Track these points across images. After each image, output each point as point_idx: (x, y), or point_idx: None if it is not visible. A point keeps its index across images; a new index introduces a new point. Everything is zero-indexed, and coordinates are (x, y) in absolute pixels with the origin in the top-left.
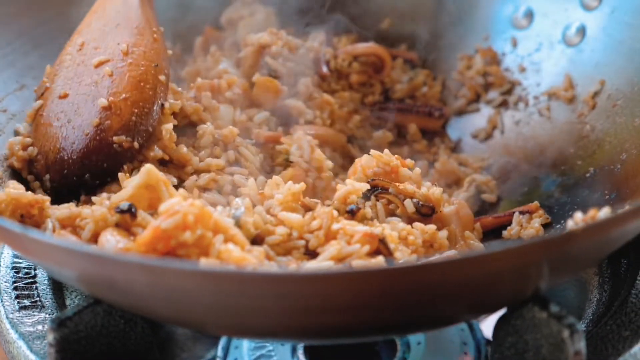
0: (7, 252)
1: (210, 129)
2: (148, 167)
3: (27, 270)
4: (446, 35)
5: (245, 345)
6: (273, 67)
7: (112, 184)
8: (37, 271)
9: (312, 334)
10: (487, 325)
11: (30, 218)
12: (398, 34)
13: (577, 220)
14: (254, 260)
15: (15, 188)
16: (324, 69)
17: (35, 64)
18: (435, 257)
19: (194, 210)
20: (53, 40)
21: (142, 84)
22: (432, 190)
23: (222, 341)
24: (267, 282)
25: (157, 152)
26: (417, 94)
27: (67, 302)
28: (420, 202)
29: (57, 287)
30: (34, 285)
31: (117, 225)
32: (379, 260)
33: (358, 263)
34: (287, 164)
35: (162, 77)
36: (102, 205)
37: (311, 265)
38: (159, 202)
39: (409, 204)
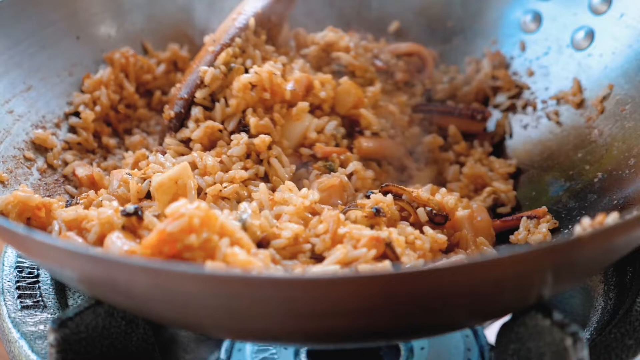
0: (11, 251)
1: (245, 138)
2: (184, 165)
3: (30, 270)
4: (454, 39)
5: (249, 348)
6: (346, 62)
7: None
8: (40, 271)
9: (316, 338)
10: (492, 332)
11: (36, 220)
12: (406, 37)
13: (584, 225)
14: (260, 263)
15: (24, 191)
16: (379, 63)
17: (42, 65)
18: (439, 263)
19: (200, 214)
20: (59, 41)
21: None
22: (446, 199)
23: (226, 344)
24: (272, 286)
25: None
26: (457, 93)
27: (70, 302)
28: (434, 211)
29: (60, 287)
30: (37, 285)
31: (124, 227)
32: (385, 265)
33: (364, 267)
34: (326, 171)
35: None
36: (110, 207)
37: (317, 269)
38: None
39: (421, 212)
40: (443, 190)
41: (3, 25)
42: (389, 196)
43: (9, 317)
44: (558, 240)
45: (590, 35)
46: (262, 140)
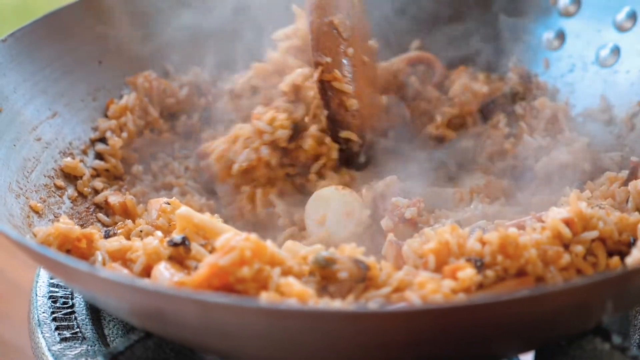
0: (43, 281)
1: None
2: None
3: (64, 300)
4: (477, 59)
5: None
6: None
7: None
8: (74, 300)
9: None
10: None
11: (76, 251)
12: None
13: None
14: (313, 292)
15: (65, 223)
16: None
17: (66, 90)
18: (499, 295)
19: (250, 245)
20: (82, 66)
21: None
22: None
23: None
24: (335, 320)
25: None
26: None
27: (106, 332)
28: None
29: (96, 317)
30: (73, 316)
31: (170, 258)
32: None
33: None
34: None
35: None
36: (155, 237)
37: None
38: None
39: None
40: None
41: (27, 50)
42: None
43: (49, 350)
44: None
45: (616, 52)
46: None
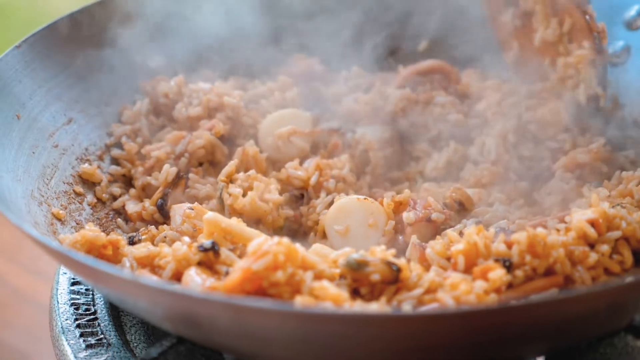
0: (63, 288)
1: None
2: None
3: (87, 307)
4: (483, 57)
5: None
6: None
7: None
8: (96, 307)
9: None
10: None
11: (102, 258)
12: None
13: None
14: (346, 295)
15: (91, 230)
16: None
17: (80, 96)
18: (534, 297)
19: (283, 249)
20: (94, 72)
21: None
22: None
23: None
24: (374, 323)
25: None
26: None
27: (128, 337)
28: None
29: (118, 323)
30: (96, 322)
31: (200, 263)
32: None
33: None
34: None
35: None
36: (183, 242)
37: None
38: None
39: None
40: None
41: (40, 56)
42: None
43: (76, 357)
44: None
45: (627, 50)
46: None
